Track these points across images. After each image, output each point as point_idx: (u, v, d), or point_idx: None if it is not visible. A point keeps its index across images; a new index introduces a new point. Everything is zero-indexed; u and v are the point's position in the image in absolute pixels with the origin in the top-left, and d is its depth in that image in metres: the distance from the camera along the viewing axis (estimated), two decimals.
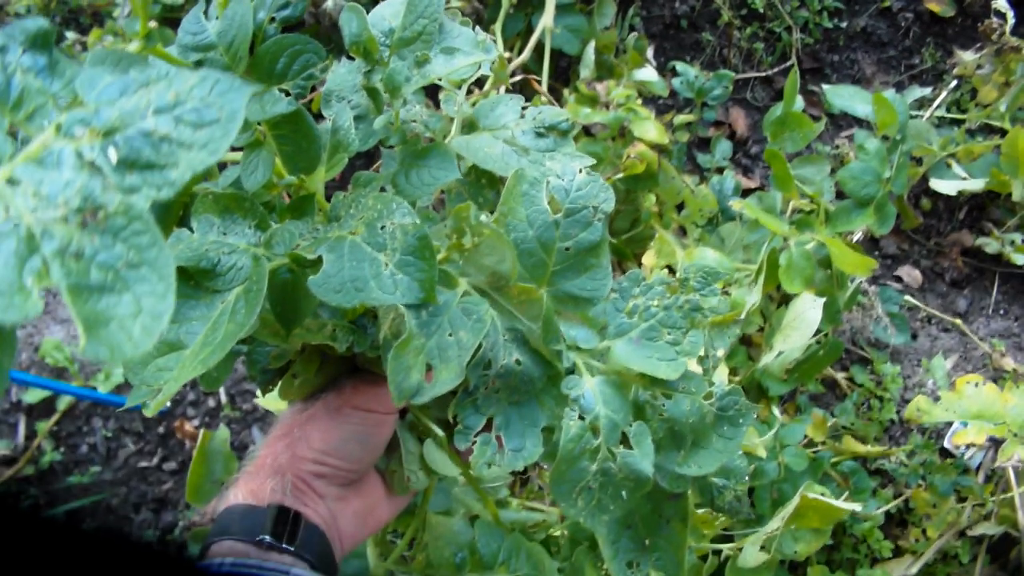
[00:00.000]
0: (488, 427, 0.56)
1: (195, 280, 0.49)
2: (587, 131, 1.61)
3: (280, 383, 0.69)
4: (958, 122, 2.12)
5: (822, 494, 1.12)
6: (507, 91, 0.98)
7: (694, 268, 0.62)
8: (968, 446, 1.76)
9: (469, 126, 0.70)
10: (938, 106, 2.11)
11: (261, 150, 0.55)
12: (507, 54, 1.60)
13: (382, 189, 0.60)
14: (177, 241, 0.50)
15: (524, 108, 0.69)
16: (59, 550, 0.47)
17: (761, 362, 1.43)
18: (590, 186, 0.59)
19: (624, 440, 0.57)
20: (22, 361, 1.81)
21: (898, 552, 1.77)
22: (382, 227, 0.50)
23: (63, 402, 1.81)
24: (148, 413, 0.49)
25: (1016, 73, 2.00)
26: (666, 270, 0.65)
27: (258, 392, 0.73)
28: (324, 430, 0.66)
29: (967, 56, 2.06)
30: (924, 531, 1.71)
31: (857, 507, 0.85)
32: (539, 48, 1.66)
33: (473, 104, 0.71)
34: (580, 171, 0.59)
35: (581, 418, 0.56)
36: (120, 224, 0.29)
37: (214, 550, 0.62)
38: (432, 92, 0.74)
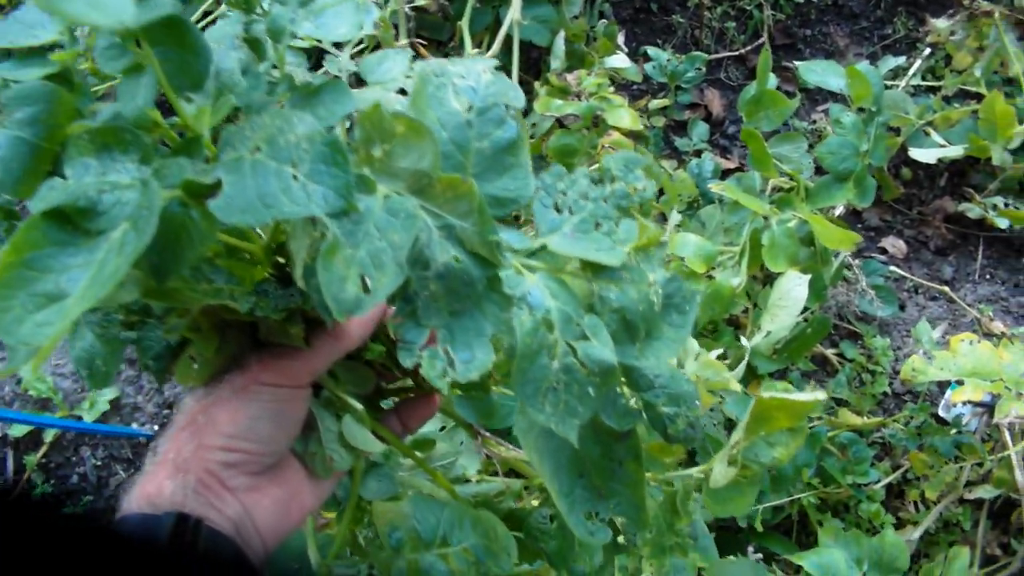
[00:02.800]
0: (432, 343, 0.53)
1: (73, 223, 0.44)
2: (560, 123, 1.59)
3: (177, 368, 0.64)
4: (934, 89, 2.12)
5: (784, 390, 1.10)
6: None
7: (613, 159, 0.60)
8: (964, 404, 1.75)
9: (357, 83, 0.67)
10: (913, 75, 2.10)
11: (142, 73, 0.50)
12: (475, 50, 1.59)
13: None
14: (49, 191, 0.45)
15: (412, 62, 0.66)
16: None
17: (750, 342, 1.42)
18: (498, 84, 0.57)
19: (581, 337, 0.55)
20: (5, 395, 1.78)
21: (899, 525, 1.76)
22: (285, 142, 0.46)
23: (49, 434, 1.79)
24: (29, 374, 0.45)
25: (989, 37, 1.99)
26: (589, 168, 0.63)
27: None
28: (231, 412, 0.60)
29: (940, 23, 2.06)
30: (923, 493, 1.71)
31: (821, 395, 0.79)
32: (508, 42, 1.64)
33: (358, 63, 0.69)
34: (484, 71, 0.57)
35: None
36: None
37: None
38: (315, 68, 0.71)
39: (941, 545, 1.77)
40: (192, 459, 0.59)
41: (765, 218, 1.49)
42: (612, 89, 1.60)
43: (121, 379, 1.80)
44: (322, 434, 0.66)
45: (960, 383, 1.53)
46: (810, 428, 1.59)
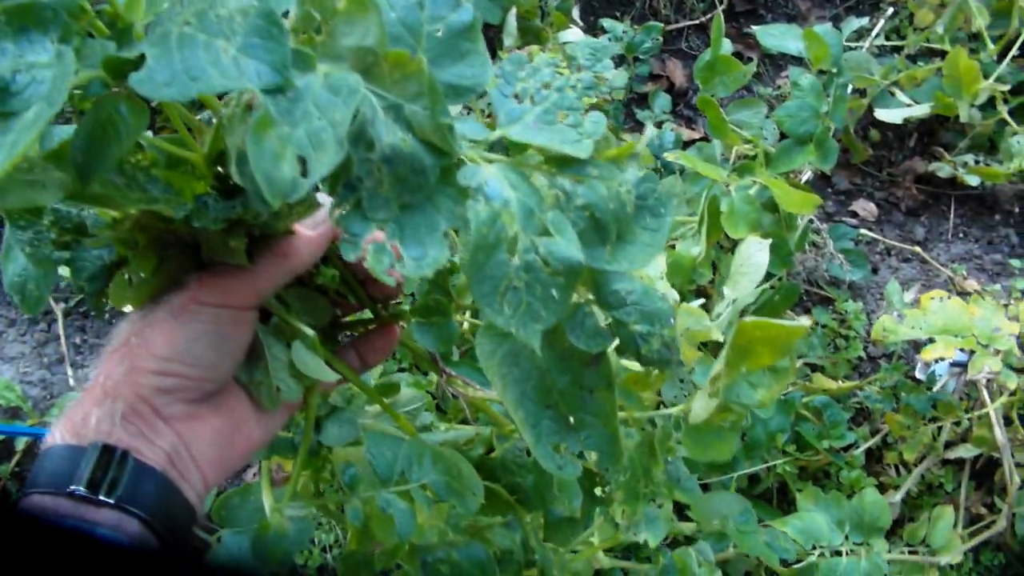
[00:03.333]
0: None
1: None
2: None
3: (111, 288, 0.59)
4: (899, 49, 2.09)
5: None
6: None
7: (579, 46, 0.57)
8: (938, 361, 1.74)
9: None
10: (877, 35, 2.08)
11: None
12: None
13: None
14: None
15: None
16: None
17: (714, 312, 1.40)
18: None
19: (544, 234, 0.51)
20: None
21: (881, 489, 1.75)
22: (216, 16, 0.42)
23: (21, 442, 1.77)
24: None
25: None
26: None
27: None
28: (168, 332, 0.55)
29: None
30: (902, 456, 1.69)
31: (805, 321, 0.74)
32: None
33: None
34: None
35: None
36: None
37: (21, 508, 0.52)
38: None
39: (925, 508, 1.76)
40: (123, 384, 0.54)
41: (728, 186, 1.47)
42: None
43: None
44: (269, 363, 0.61)
45: (932, 341, 1.52)
46: (784, 394, 1.57)
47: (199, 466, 0.57)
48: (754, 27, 1.76)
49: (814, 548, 1.35)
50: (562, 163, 0.54)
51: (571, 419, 0.61)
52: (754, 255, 1.31)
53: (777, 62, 2.07)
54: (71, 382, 1.77)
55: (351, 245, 0.47)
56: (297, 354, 0.62)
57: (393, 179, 0.48)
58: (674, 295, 1.23)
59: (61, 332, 1.81)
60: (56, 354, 1.80)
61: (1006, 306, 1.63)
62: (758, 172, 1.44)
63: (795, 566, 1.44)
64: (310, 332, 0.62)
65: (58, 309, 1.83)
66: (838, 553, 1.36)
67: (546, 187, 0.53)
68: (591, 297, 0.58)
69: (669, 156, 1.39)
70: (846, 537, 1.39)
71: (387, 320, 0.69)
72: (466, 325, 0.81)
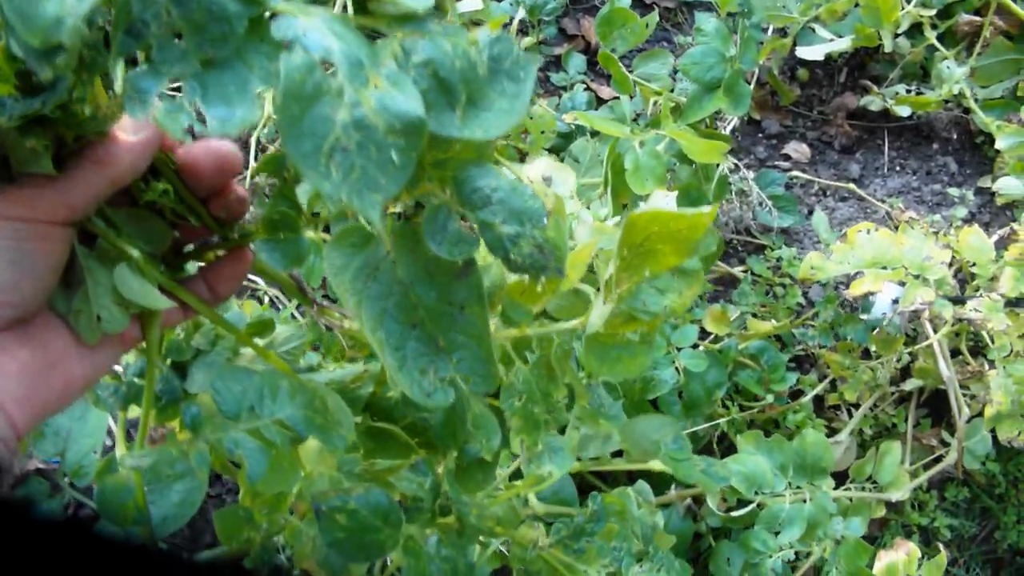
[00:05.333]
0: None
1: None
2: None
3: None
4: None
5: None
6: None
7: None
8: (872, 296, 1.70)
9: None
10: None
11: None
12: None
13: None
14: None
15: None
16: None
17: None
18: None
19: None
20: None
21: (832, 433, 1.72)
22: None
23: None
24: None
25: None
26: None
27: None
28: None
29: None
30: (842, 395, 1.66)
31: (708, 209, 0.64)
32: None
33: None
34: None
35: None
36: None
37: None
38: None
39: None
40: None
41: (642, 143, 1.42)
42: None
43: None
44: (90, 288, 0.54)
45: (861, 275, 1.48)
46: (718, 345, 1.54)
47: (3, 405, 0.51)
48: None
49: (756, 494, 1.32)
50: (400, 19, 0.46)
51: (440, 340, 0.55)
52: (659, 208, 1.27)
53: (694, 9, 2.02)
54: None
55: (138, 102, 0.41)
56: (120, 277, 0.55)
57: (189, 27, 0.41)
58: (588, 217, 1.15)
59: None
60: None
61: (935, 234, 1.60)
62: (665, 125, 1.40)
63: (735, 512, 1.41)
64: (135, 252, 0.55)
65: None
66: (781, 497, 1.33)
67: (381, 44, 0.46)
68: (452, 197, 0.52)
69: (567, 118, 1.35)
70: (788, 483, 1.36)
71: (235, 243, 0.62)
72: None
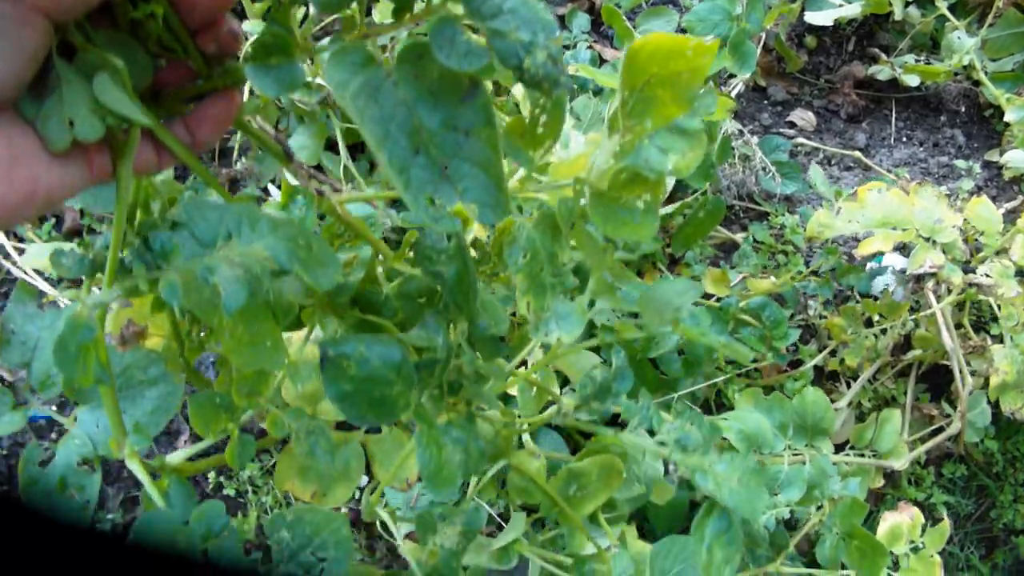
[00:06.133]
0: None
1: None
2: None
3: None
4: None
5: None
6: None
7: None
8: (876, 260, 1.67)
9: None
10: None
11: None
12: None
13: None
14: None
15: None
16: None
17: None
18: None
19: None
20: None
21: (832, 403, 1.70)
22: None
23: None
24: None
25: None
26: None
27: None
28: None
29: None
30: (843, 361, 1.64)
31: (710, 39, 0.59)
32: None
33: None
34: None
35: None
36: None
37: None
38: None
39: None
40: None
41: None
42: None
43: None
44: (65, 95, 0.51)
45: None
46: (718, 301, 1.51)
47: None
48: None
49: (754, 453, 1.29)
50: None
51: (445, 167, 0.52)
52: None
53: None
54: None
55: None
56: (100, 84, 0.51)
57: None
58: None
59: None
60: None
61: (947, 197, 1.57)
62: None
63: None
64: (119, 63, 0.51)
65: None
66: (779, 457, 1.31)
67: None
68: (461, 11, 0.50)
69: (569, 69, 1.32)
70: (788, 445, 1.33)
71: (222, 83, 0.57)
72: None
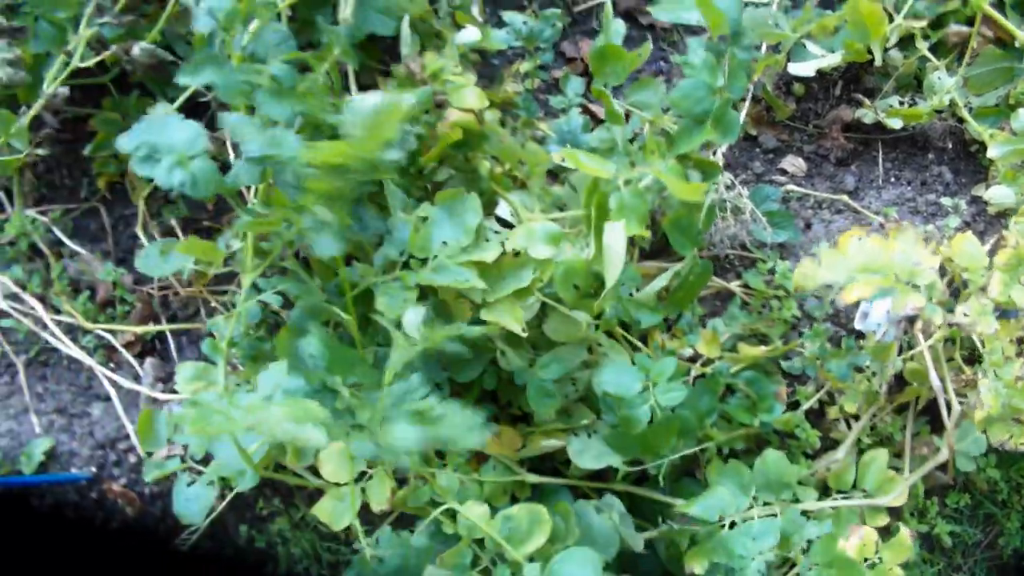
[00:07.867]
0: None
1: None
2: None
3: None
4: None
5: None
6: None
7: None
8: (861, 304, 1.74)
9: None
10: None
11: None
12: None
13: None
14: None
15: None
16: None
17: (604, 302, 1.39)
18: None
19: None
20: None
21: (831, 444, 1.77)
22: None
23: None
24: None
25: None
26: None
27: None
28: None
29: None
30: (842, 408, 1.71)
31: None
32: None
33: None
34: None
35: None
36: None
37: None
38: None
39: None
40: None
41: (627, 182, 1.46)
42: (460, 69, 1.58)
43: (55, 428, 1.85)
44: None
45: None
46: (710, 368, 1.59)
47: None
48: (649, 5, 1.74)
49: (720, 520, 1.40)
50: None
51: None
52: (611, 243, 1.31)
53: (692, 28, 2.05)
54: (36, 429, 1.84)
55: None
56: None
57: None
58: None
59: (24, 383, 1.88)
60: (20, 405, 1.87)
61: (926, 241, 1.63)
62: (649, 160, 1.45)
63: (697, 546, 1.47)
64: None
65: (19, 362, 1.90)
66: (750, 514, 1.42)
67: None
68: None
69: (555, 157, 1.40)
70: (755, 500, 1.44)
71: None
72: None
